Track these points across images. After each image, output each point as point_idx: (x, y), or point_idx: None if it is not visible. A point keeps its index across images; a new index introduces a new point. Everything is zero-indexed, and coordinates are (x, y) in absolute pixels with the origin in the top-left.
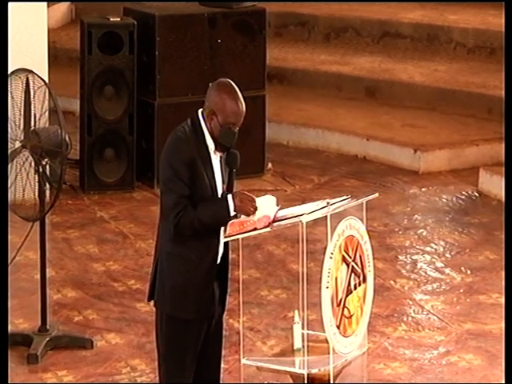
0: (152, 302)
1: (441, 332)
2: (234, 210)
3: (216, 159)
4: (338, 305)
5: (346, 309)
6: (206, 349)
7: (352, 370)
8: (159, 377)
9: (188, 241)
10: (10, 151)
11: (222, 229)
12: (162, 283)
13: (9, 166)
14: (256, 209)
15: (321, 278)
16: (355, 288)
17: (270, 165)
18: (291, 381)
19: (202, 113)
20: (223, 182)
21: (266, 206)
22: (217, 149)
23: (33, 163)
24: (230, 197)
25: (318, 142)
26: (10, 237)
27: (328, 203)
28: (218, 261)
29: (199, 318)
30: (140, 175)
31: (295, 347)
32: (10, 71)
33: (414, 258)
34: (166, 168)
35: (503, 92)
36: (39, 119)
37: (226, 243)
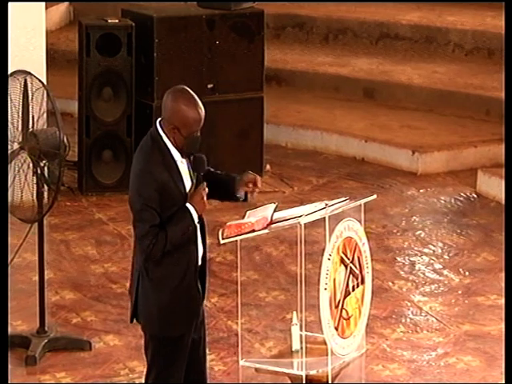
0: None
1: (439, 333)
2: (198, 212)
3: (183, 164)
4: (337, 306)
5: (344, 310)
6: (192, 348)
7: (350, 372)
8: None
9: (168, 263)
10: (8, 153)
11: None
12: (148, 307)
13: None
14: (205, 189)
15: (319, 280)
16: (353, 289)
17: (268, 166)
18: (289, 382)
19: (161, 123)
20: (192, 183)
21: (264, 207)
22: (183, 157)
23: (31, 165)
24: (188, 206)
25: (316, 144)
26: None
27: (326, 205)
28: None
29: (190, 329)
30: None
31: (293, 349)
32: (8, 73)
33: (412, 259)
34: (135, 196)
35: (501, 93)
36: (37, 121)
37: (204, 243)
